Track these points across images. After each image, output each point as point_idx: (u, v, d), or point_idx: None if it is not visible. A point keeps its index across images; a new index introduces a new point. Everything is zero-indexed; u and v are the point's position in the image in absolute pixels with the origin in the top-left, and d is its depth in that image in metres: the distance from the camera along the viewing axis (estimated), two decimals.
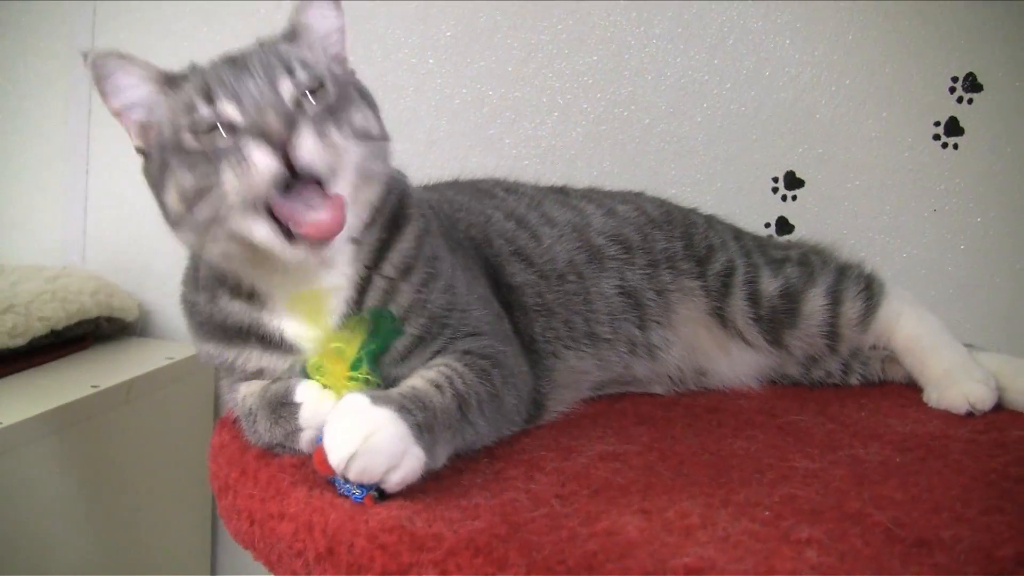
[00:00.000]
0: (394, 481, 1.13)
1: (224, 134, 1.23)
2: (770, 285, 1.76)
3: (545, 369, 1.58)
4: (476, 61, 2.42)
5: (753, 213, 2.31)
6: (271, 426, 1.29)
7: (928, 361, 1.68)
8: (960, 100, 2.30)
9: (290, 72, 1.27)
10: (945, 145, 2.32)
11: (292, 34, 1.38)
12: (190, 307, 1.45)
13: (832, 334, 1.74)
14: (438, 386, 1.25)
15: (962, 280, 2.35)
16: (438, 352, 1.37)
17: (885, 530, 1.07)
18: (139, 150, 1.35)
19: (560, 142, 2.41)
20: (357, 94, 1.36)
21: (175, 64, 2.47)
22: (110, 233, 2.57)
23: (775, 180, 2.36)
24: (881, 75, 2.32)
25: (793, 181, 2.35)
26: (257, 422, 1.32)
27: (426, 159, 2.43)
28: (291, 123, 1.19)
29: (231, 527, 1.25)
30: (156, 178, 1.31)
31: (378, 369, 1.29)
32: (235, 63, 1.29)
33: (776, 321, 1.75)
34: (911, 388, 1.70)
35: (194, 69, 1.32)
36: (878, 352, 1.76)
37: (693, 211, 1.95)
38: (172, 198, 1.27)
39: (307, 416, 1.26)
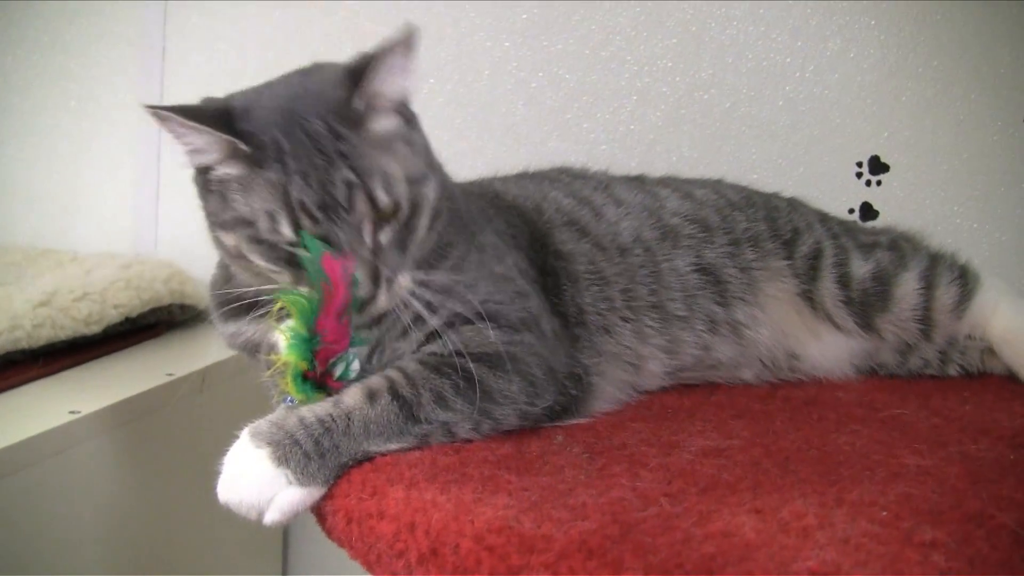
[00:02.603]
0: (268, 521, 1.20)
1: None
2: (860, 268, 1.72)
3: (594, 346, 1.55)
4: (553, 44, 2.38)
5: (836, 198, 2.25)
6: None
7: None
8: None
9: (373, 203, 1.27)
10: None
11: (364, 113, 1.31)
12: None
13: (926, 319, 1.70)
14: (372, 395, 1.26)
15: None
16: (432, 333, 1.37)
17: (1011, 533, 1.02)
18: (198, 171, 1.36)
19: (639, 126, 2.36)
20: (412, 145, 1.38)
21: (247, 49, 2.48)
22: (182, 220, 2.56)
23: (859, 165, 2.30)
24: (969, 56, 2.25)
25: (878, 166, 2.29)
26: None
27: (502, 143, 2.41)
28: (375, 279, 1.27)
29: (325, 525, 1.22)
30: (216, 218, 1.35)
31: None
32: (315, 166, 1.25)
33: (867, 304, 1.71)
34: (1014, 380, 1.66)
35: (263, 146, 1.28)
36: (976, 342, 1.71)
37: (775, 195, 1.92)
38: (231, 246, 1.35)
39: None
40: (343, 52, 2.45)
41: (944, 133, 2.27)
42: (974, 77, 2.25)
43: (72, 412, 1.69)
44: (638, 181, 1.86)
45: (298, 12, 2.52)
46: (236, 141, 1.26)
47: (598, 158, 2.25)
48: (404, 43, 1.30)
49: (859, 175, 2.30)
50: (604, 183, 1.80)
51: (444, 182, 1.48)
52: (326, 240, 1.24)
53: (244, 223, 1.29)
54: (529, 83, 2.40)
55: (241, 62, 2.55)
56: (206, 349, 2.23)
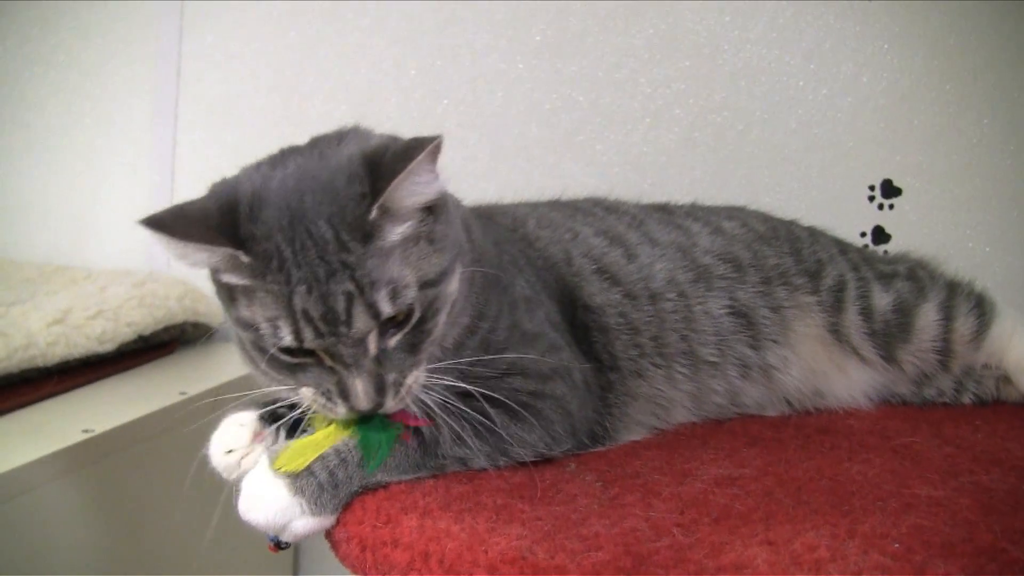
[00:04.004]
0: (284, 539, 1.24)
1: (313, 361, 1.25)
2: (882, 300, 1.71)
3: (627, 389, 1.54)
4: (567, 66, 2.39)
5: (849, 222, 2.25)
6: None
7: None
8: None
9: (376, 317, 1.20)
10: None
11: (379, 222, 1.21)
12: None
13: (945, 350, 1.70)
14: None
15: None
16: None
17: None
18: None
19: (652, 149, 2.37)
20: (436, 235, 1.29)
21: (262, 67, 2.49)
22: None
23: (872, 188, 2.30)
24: (983, 80, 2.25)
25: (890, 190, 2.29)
26: None
27: (515, 165, 2.41)
28: (380, 391, 1.22)
29: (339, 552, 1.22)
30: (226, 309, 1.31)
31: None
32: (316, 277, 1.18)
33: (889, 336, 1.70)
34: None
35: (267, 255, 1.20)
36: (992, 371, 1.71)
37: (794, 223, 1.90)
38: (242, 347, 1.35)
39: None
40: (357, 73, 2.49)
41: (957, 157, 2.27)
42: (987, 101, 2.25)
43: (86, 431, 1.70)
44: (667, 213, 1.83)
45: (312, 33, 2.53)
46: (238, 254, 1.19)
47: (611, 180, 2.26)
48: (431, 154, 1.20)
49: (871, 199, 2.30)
50: (639, 219, 1.76)
51: (475, 244, 1.44)
52: (328, 352, 1.22)
53: (248, 326, 1.24)
54: (542, 105, 2.41)
55: (256, 81, 2.56)
56: (219, 367, 2.23)
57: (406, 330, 1.24)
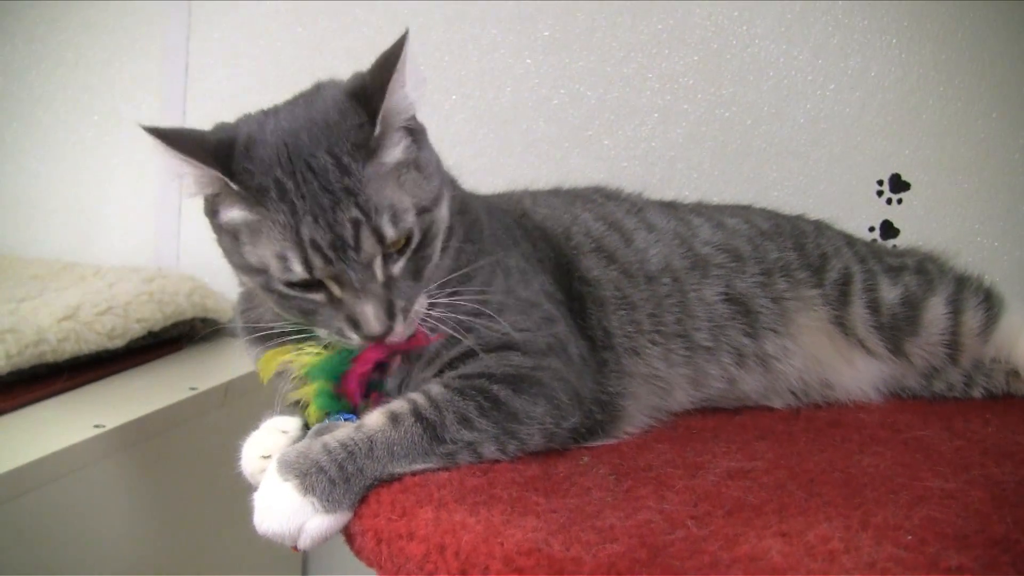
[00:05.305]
0: (301, 547, 1.22)
1: (322, 298, 1.30)
2: (889, 293, 1.72)
3: (622, 368, 1.54)
4: (574, 61, 2.39)
5: (857, 217, 2.25)
6: None
7: None
8: None
9: (381, 240, 1.26)
10: None
11: (377, 140, 1.28)
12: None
13: (953, 343, 1.70)
14: (395, 418, 1.27)
15: None
16: (458, 358, 1.38)
17: None
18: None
19: (660, 144, 2.36)
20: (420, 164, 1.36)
21: (270, 65, 2.49)
22: (204, 234, 2.55)
23: (880, 183, 2.30)
24: (991, 74, 2.24)
25: (899, 184, 2.29)
26: None
27: (523, 160, 2.41)
28: (390, 315, 1.28)
29: (354, 545, 1.22)
30: (231, 257, 1.36)
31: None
32: (321, 206, 1.24)
33: (897, 329, 1.70)
34: None
35: (265, 189, 1.26)
36: (1001, 365, 1.71)
37: (800, 218, 1.91)
38: (249, 286, 1.41)
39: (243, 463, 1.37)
40: (364, 68, 2.48)
41: (965, 151, 2.27)
42: (996, 95, 2.25)
43: (97, 426, 1.70)
44: (671, 207, 1.85)
45: (320, 29, 2.53)
46: (226, 180, 1.26)
47: (619, 175, 2.25)
48: (404, 53, 1.27)
49: (880, 193, 2.30)
50: (638, 207, 1.79)
51: (461, 198, 1.51)
52: (337, 281, 1.27)
53: (256, 271, 1.30)
54: (551, 100, 2.41)
55: (264, 77, 2.56)
56: (229, 362, 2.23)
57: (407, 255, 1.30)
